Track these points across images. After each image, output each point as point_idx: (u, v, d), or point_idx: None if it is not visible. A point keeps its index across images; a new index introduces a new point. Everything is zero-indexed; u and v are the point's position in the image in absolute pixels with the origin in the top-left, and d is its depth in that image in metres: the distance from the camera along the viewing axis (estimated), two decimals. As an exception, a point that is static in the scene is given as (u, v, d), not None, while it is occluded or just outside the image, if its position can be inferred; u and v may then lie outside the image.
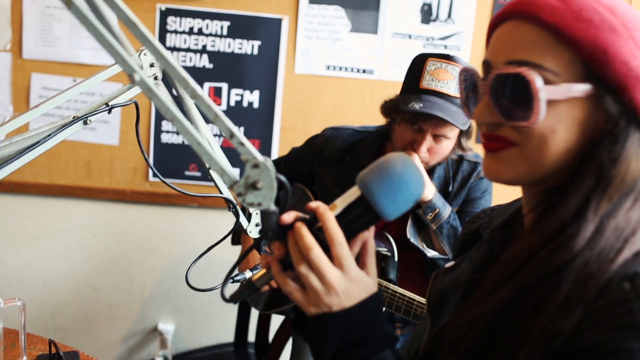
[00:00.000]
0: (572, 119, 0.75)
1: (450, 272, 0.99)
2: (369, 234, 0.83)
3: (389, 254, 1.85)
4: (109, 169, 2.65)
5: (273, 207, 0.77)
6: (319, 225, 0.79)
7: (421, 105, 1.69)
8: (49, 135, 1.05)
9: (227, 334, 2.89)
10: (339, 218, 0.78)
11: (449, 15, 2.57)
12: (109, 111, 1.13)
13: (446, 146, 1.79)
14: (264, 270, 0.82)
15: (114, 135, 2.62)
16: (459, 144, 1.82)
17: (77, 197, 2.68)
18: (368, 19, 2.56)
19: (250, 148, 0.74)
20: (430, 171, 1.88)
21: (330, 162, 1.97)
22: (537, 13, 0.76)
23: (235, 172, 0.77)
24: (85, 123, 1.10)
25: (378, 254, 1.81)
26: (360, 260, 0.82)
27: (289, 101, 2.63)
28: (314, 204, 0.80)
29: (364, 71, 2.60)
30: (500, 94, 0.77)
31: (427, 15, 2.57)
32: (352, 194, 0.78)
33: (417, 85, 1.75)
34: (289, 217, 0.79)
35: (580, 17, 0.74)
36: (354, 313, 0.78)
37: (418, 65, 1.77)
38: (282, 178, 0.75)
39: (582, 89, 0.74)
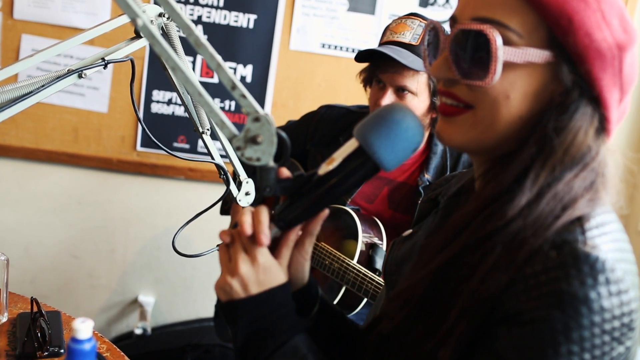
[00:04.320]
0: (527, 87, 0.74)
1: (407, 241, 0.99)
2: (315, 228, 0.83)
3: (378, 243, 1.82)
4: (97, 136, 2.62)
5: (272, 163, 0.75)
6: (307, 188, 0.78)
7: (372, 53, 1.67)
8: (43, 85, 1.02)
9: (207, 309, 2.88)
10: (337, 171, 0.77)
11: (447, 0, 2.56)
12: (105, 66, 1.11)
13: (414, 104, 1.69)
14: None
15: (103, 102, 2.58)
16: (432, 106, 1.73)
17: (63, 163, 2.64)
18: (366, -1, 2.54)
19: (252, 101, 0.73)
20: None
21: (323, 143, 1.94)
22: None
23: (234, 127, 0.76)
24: (80, 77, 1.08)
25: (367, 243, 1.79)
26: (276, 251, 0.81)
27: (282, 77, 2.61)
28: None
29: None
30: (460, 50, 0.76)
31: (425, -2, 2.56)
32: (350, 145, 0.77)
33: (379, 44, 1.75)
34: (287, 173, 0.78)
35: None
36: (260, 300, 0.78)
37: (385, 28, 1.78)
38: (283, 134, 0.74)
39: (541, 54, 0.73)
